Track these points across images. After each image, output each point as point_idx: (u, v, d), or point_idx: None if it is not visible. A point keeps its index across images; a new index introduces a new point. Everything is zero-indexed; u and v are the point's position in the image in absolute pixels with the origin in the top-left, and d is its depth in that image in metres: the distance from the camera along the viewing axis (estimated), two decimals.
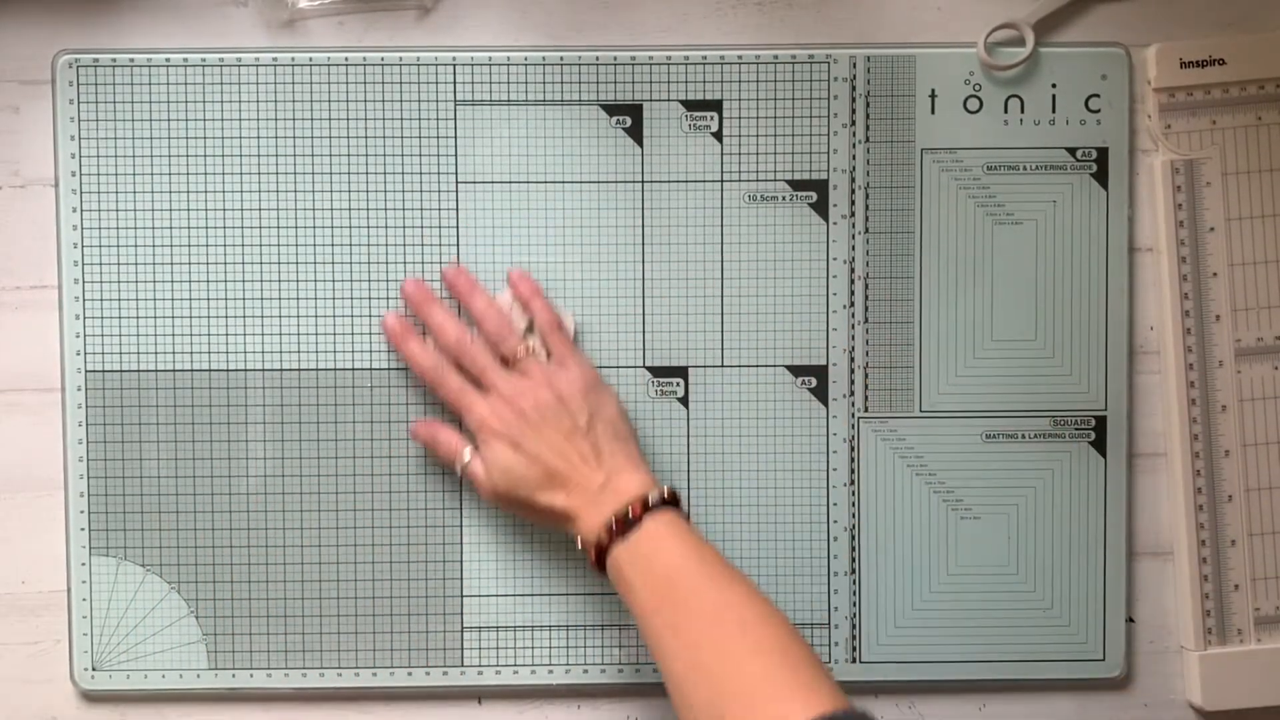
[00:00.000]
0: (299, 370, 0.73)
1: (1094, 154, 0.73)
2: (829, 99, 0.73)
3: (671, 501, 0.65)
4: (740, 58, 0.72)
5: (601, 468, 0.66)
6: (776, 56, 0.72)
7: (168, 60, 0.72)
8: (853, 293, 0.73)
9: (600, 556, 0.65)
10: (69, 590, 0.73)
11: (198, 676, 0.73)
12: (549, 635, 0.73)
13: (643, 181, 0.73)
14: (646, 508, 0.64)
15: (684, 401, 0.73)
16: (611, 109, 0.72)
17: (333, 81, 0.72)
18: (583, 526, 0.66)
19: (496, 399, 0.68)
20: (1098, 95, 0.73)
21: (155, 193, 0.72)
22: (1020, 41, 0.73)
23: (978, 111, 0.73)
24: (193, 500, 0.72)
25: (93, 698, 0.73)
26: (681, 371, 0.73)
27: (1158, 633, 0.75)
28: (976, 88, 0.73)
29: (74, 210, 0.72)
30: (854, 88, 0.72)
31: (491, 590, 0.73)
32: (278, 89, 0.72)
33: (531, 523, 0.71)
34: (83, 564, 0.72)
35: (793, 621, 0.73)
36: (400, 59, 0.72)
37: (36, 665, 0.73)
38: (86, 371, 0.72)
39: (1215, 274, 0.73)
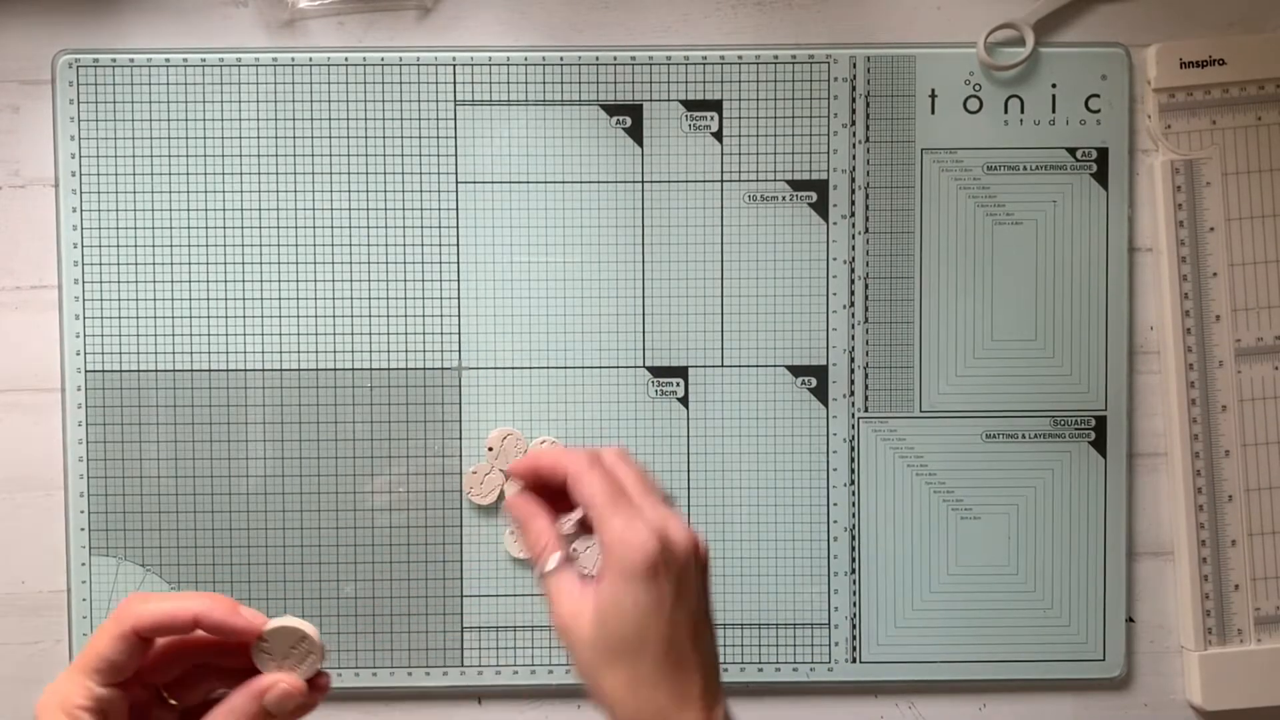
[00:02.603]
0: (299, 370, 0.73)
1: (1094, 154, 0.73)
2: (829, 99, 0.73)
3: None
4: (740, 58, 0.72)
5: (720, 702, 0.50)
6: (776, 56, 0.72)
7: (168, 60, 0.72)
8: (853, 293, 0.73)
9: None
10: (69, 590, 0.73)
11: None
12: (549, 635, 0.73)
13: (643, 181, 0.73)
14: None
15: (684, 401, 0.73)
16: (611, 109, 0.72)
17: (333, 81, 0.72)
18: None
19: (667, 527, 0.50)
20: (1098, 95, 0.73)
21: (155, 193, 0.72)
22: (1020, 41, 0.73)
23: (978, 111, 0.73)
24: (193, 500, 0.72)
25: None
26: (681, 371, 0.73)
27: (1158, 633, 0.75)
28: (976, 88, 0.73)
29: (74, 210, 0.72)
30: (854, 88, 0.73)
31: (491, 590, 0.73)
32: (278, 89, 0.72)
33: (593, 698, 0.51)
34: (83, 564, 0.72)
35: (793, 621, 0.74)
36: (400, 59, 0.72)
37: (36, 665, 0.73)
38: (86, 371, 0.72)
39: (1215, 274, 0.73)
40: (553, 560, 0.51)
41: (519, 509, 0.53)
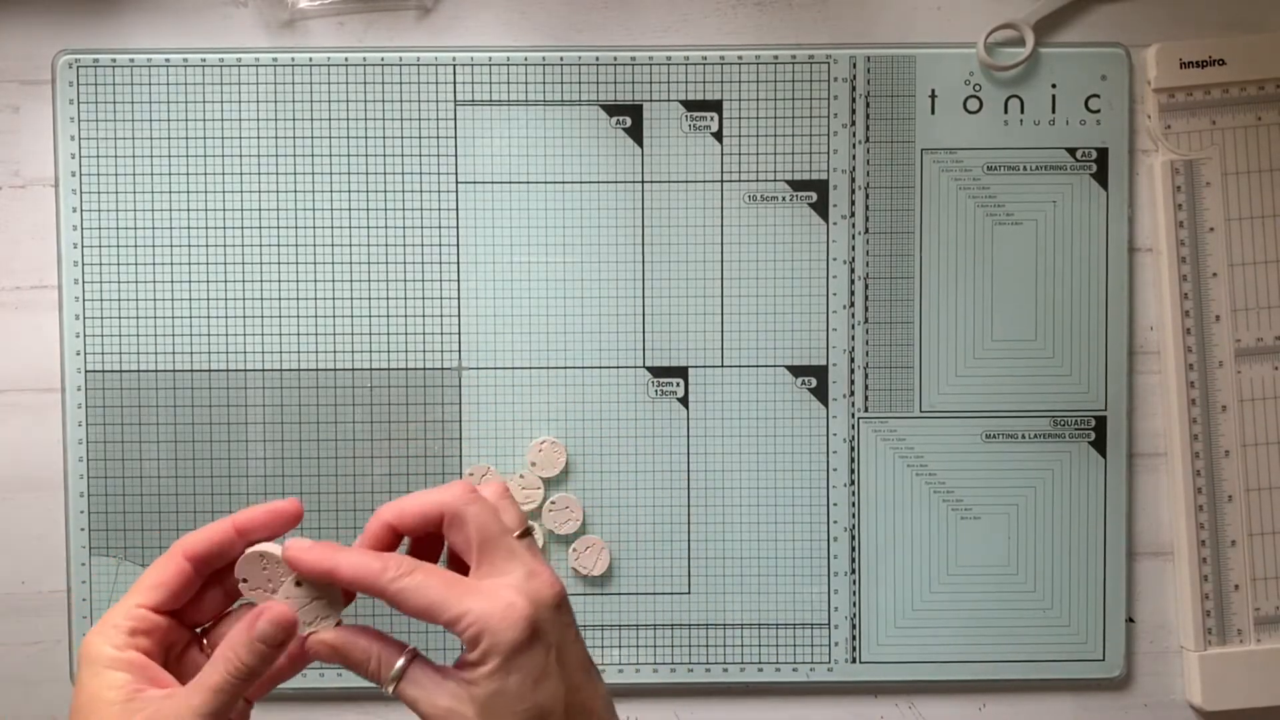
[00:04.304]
0: (299, 370, 0.73)
1: (1094, 154, 0.73)
2: (829, 99, 0.73)
3: None
4: (740, 58, 0.72)
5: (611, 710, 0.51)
6: (776, 56, 0.72)
7: (168, 60, 0.72)
8: (853, 293, 0.73)
9: None
10: (69, 590, 0.73)
11: None
12: None
13: (643, 181, 0.73)
14: None
15: (684, 401, 0.73)
16: (611, 109, 0.72)
17: (333, 81, 0.72)
18: None
19: (533, 581, 0.48)
20: (1098, 95, 0.73)
21: (155, 193, 0.72)
22: (1020, 41, 0.73)
23: (978, 111, 0.73)
24: (193, 500, 0.72)
25: None
26: (681, 371, 0.73)
27: (1158, 633, 0.75)
28: (976, 88, 0.73)
29: (74, 210, 0.72)
30: (854, 88, 0.73)
31: None
32: (278, 89, 0.72)
33: None
34: (83, 564, 0.72)
35: (793, 621, 0.74)
36: (400, 59, 0.72)
37: (36, 665, 0.73)
38: (86, 371, 0.72)
39: (1215, 274, 0.73)
40: (399, 662, 0.48)
41: (338, 646, 0.50)
